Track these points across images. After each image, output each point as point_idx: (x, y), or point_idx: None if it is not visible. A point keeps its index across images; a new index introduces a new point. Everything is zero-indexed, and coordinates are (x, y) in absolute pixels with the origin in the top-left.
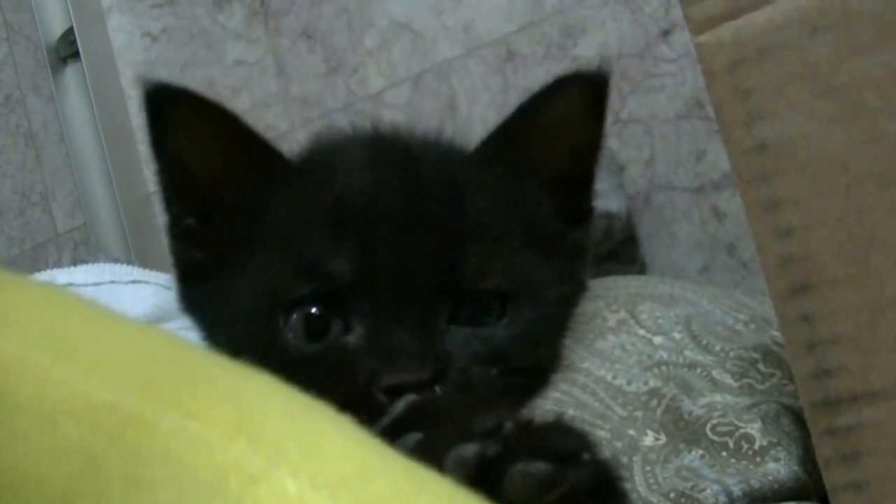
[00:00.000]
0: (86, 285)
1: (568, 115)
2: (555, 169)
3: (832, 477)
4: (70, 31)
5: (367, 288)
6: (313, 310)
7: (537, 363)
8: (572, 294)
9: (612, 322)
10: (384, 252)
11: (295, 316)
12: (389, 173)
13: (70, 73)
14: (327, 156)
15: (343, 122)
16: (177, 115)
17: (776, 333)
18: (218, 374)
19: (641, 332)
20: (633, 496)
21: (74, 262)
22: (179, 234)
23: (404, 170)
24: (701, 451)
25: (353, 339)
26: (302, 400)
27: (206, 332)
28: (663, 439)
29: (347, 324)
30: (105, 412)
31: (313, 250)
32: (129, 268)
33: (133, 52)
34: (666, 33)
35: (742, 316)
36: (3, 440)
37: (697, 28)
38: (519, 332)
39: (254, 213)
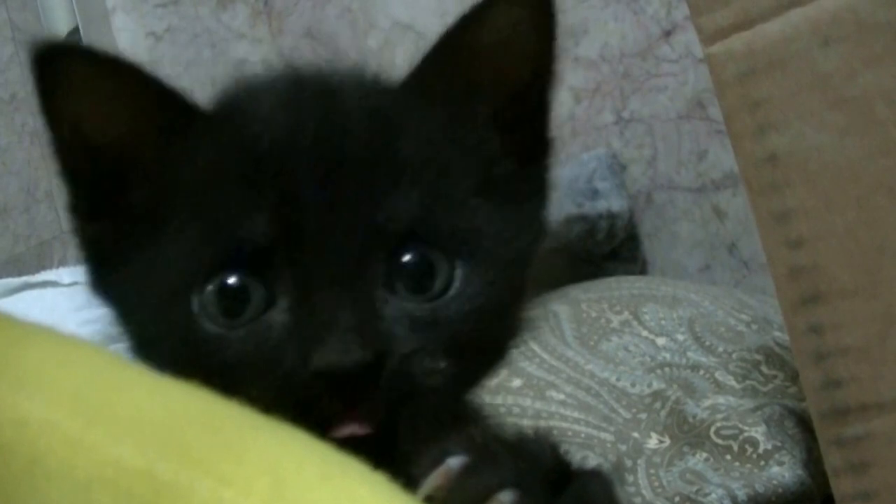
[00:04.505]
0: None
1: (508, 30)
2: (500, 96)
3: (841, 487)
4: (75, 30)
5: (289, 246)
6: (230, 280)
7: (492, 339)
8: (532, 244)
9: (615, 323)
10: (307, 203)
11: (209, 288)
12: (308, 113)
13: None
14: (242, 102)
15: None
16: (69, 78)
17: (778, 334)
18: (251, 436)
19: (645, 333)
20: (637, 499)
21: (80, 260)
22: (84, 209)
23: (325, 108)
24: (705, 455)
25: (278, 314)
26: (338, 459)
27: (122, 325)
28: (667, 442)
29: (271, 294)
30: (138, 480)
31: (227, 208)
32: None
33: (137, 51)
34: (668, 34)
35: (744, 316)
36: None
37: (708, 39)
38: (470, 305)
39: (166, 177)
